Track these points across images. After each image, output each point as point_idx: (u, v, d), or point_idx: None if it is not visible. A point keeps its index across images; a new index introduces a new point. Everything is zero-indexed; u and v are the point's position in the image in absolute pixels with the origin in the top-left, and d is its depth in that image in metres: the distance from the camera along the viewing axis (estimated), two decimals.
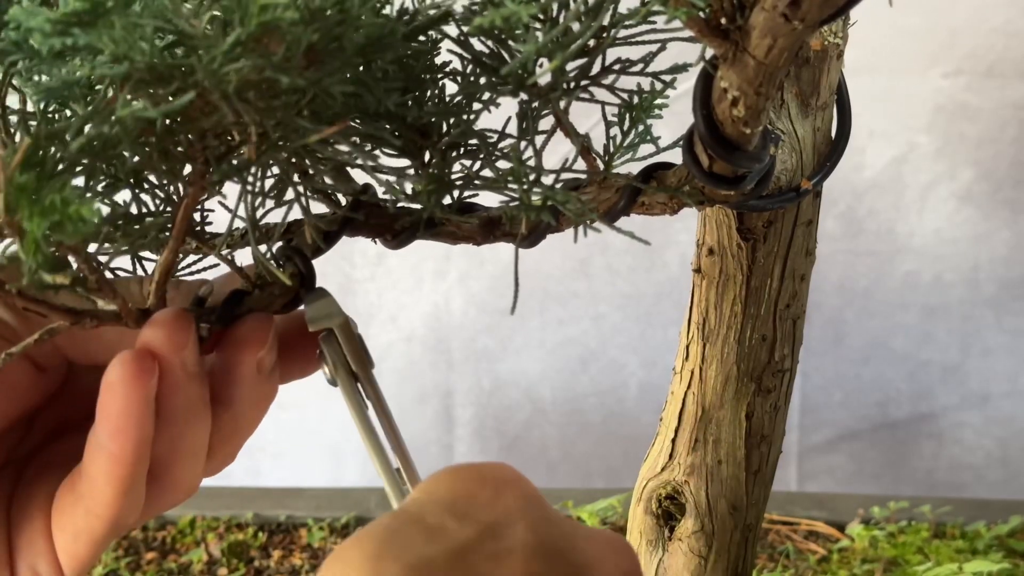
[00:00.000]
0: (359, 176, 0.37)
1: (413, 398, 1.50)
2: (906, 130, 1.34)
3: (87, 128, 0.27)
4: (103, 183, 0.30)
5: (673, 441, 0.63)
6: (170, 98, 0.27)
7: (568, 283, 1.43)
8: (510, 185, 0.35)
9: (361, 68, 0.31)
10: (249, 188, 0.31)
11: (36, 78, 0.28)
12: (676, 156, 0.43)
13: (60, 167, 0.27)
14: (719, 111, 0.37)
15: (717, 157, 0.39)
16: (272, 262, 0.36)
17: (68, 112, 0.30)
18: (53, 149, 0.27)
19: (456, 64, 0.36)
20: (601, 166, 0.41)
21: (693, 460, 0.62)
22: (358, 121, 0.32)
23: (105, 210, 0.32)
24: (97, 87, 0.28)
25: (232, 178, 0.30)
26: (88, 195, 0.30)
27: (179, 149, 0.29)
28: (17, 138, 0.28)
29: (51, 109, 0.30)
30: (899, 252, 1.39)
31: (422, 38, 0.34)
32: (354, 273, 1.44)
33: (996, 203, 1.36)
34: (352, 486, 1.46)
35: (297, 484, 1.40)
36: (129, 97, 0.26)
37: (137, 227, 0.31)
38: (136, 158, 0.29)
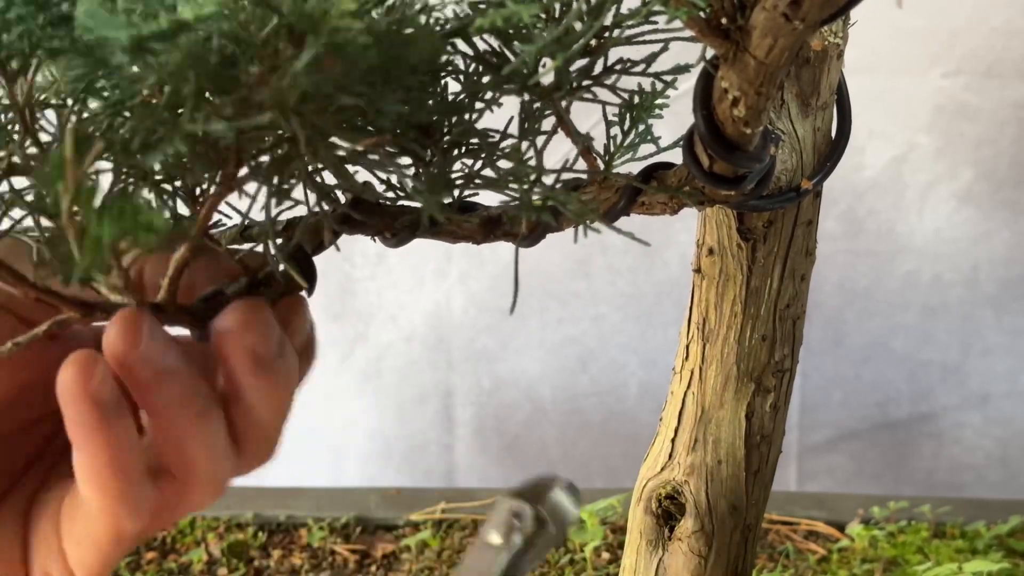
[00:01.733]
0: (358, 174, 0.37)
1: (413, 398, 1.50)
2: (906, 130, 1.34)
3: (153, 144, 0.27)
4: (127, 182, 0.30)
5: (673, 441, 0.63)
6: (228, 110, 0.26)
7: (568, 283, 1.43)
8: (511, 185, 0.35)
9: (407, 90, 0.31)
10: (273, 189, 0.31)
11: (103, 89, 0.28)
12: (676, 156, 0.43)
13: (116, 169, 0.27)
14: (720, 111, 0.37)
15: (717, 157, 0.39)
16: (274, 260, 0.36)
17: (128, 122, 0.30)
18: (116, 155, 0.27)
19: (458, 62, 0.36)
20: (601, 166, 0.41)
21: (693, 460, 0.62)
22: (370, 125, 0.32)
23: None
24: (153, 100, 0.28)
25: (259, 179, 0.30)
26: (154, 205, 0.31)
27: (212, 151, 0.29)
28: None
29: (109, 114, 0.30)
30: (899, 252, 1.39)
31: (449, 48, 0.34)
32: (354, 272, 1.44)
33: (996, 203, 1.36)
34: (352, 486, 1.46)
35: (297, 484, 1.40)
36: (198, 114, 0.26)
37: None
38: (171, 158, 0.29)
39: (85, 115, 0.30)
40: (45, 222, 0.30)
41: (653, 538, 0.64)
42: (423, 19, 0.31)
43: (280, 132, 0.29)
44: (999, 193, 1.36)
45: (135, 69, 0.26)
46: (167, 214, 0.32)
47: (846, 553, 1.17)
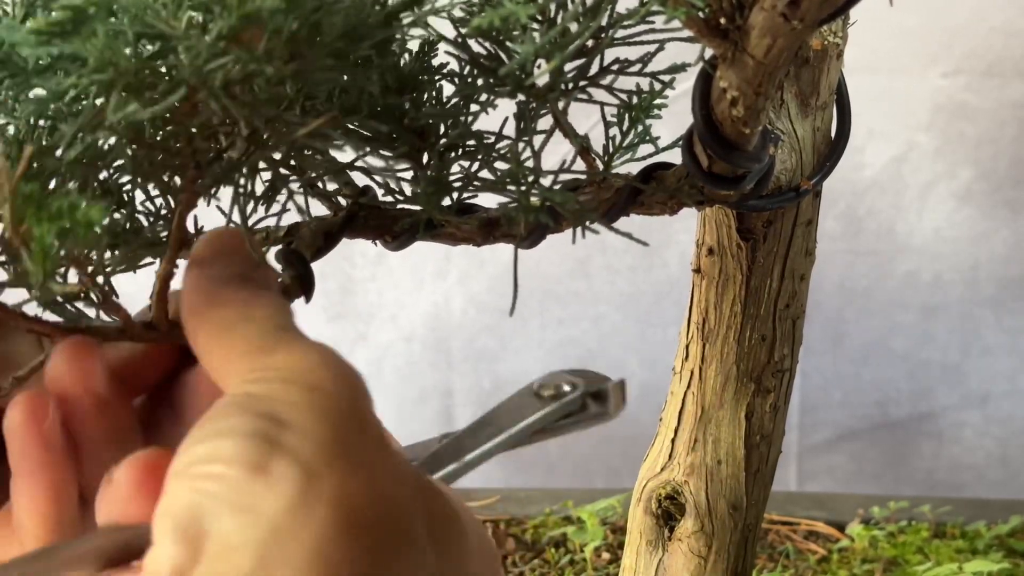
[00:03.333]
0: (358, 178, 0.37)
1: (413, 398, 1.50)
2: (906, 130, 1.34)
3: (80, 138, 0.27)
4: (93, 198, 0.30)
5: (673, 441, 0.63)
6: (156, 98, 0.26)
7: (568, 283, 1.43)
8: (509, 186, 0.35)
9: (339, 60, 0.31)
10: (241, 191, 0.31)
11: (25, 94, 0.28)
12: (675, 156, 0.43)
13: (59, 178, 0.27)
14: (718, 111, 0.37)
15: (716, 157, 0.39)
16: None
17: (60, 125, 0.30)
18: (50, 161, 0.27)
19: (453, 65, 0.36)
20: (600, 166, 0.41)
21: (693, 460, 0.62)
22: (351, 121, 0.32)
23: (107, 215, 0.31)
24: (83, 99, 0.28)
25: (223, 182, 0.30)
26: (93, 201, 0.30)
27: (169, 157, 0.29)
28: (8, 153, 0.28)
29: (42, 123, 0.30)
30: (899, 252, 1.39)
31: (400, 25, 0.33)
32: (354, 273, 1.44)
33: (996, 203, 1.36)
34: None
35: None
36: (115, 104, 0.26)
37: (130, 241, 0.31)
38: (127, 169, 0.29)
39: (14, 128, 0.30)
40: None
41: (653, 538, 0.64)
42: None
43: (233, 130, 0.28)
44: (999, 192, 1.35)
45: (61, 77, 0.26)
46: (131, 223, 0.32)
47: (846, 553, 1.17)
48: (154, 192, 0.32)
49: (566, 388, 0.35)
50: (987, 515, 1.23)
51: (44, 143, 0.28)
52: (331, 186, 0.39)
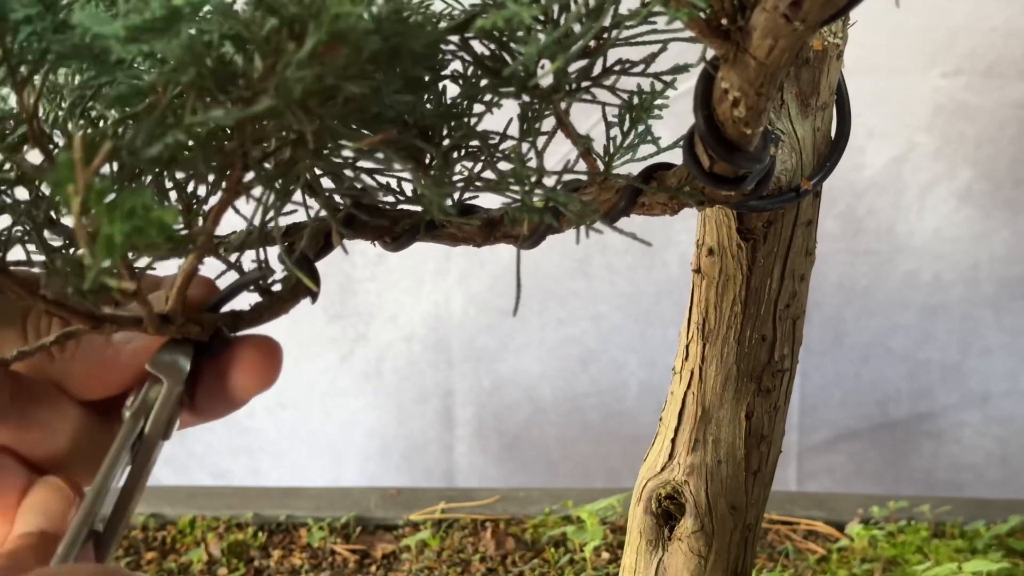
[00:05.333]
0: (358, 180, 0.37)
1: (413, 398, 1.50)
2: (906, 130, 1.34)
3: (159, 137, 0.27)
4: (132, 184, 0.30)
5: (673, 441, 0.63)
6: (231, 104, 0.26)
7: (568, 283, 1.43)
8: (512, 186, 0.35)
9: (410, 83, 0.31)
10: (275, 192, 0.31)
11: (104, 87, 0.28)
12: (676, 156, 0.43)
13: (130, 173, 0.27)
14: (720, 112, 0.37)
15: (718, 157, 0.39)
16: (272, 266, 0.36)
17: (133, 122, 0.30)
18: (123, 156, 0.27)
19: (457, 66, 0.36)
20: (601, 167, 0.41)
21: (693, 460, 0.62)
22: (370, 127, 0.32)
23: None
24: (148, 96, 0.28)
25: (265, 183, 0.30)
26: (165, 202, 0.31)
27: (222, 157, 0.29)
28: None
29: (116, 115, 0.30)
30: (899, 251, 1.39)
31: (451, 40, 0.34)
32: (354, 273, 1.44)
33: (995, 202, 1.36)
34: (352, 486, 1.46)
35: (297, 484, 1.40)
36: (197, 106, 0.26)
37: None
38: (181, 165, 0.29)
39: (91, 116, 0.30)
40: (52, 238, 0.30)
41: (653, 538, 0.64)
42: (420, 7, 0.31)
43: (284, 134, 0.29)
44: (999, 192, 1.36)
45: (139, 70, 0.27)
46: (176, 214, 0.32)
47: (846, 553, 1.17)
48: (191, 187, 0.32)
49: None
50: (986, 515, 1.23)
51: (119, 139, 0.28)
52: (328, 186, 0.39)
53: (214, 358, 0.35)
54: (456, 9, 0.33)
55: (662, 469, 0.63)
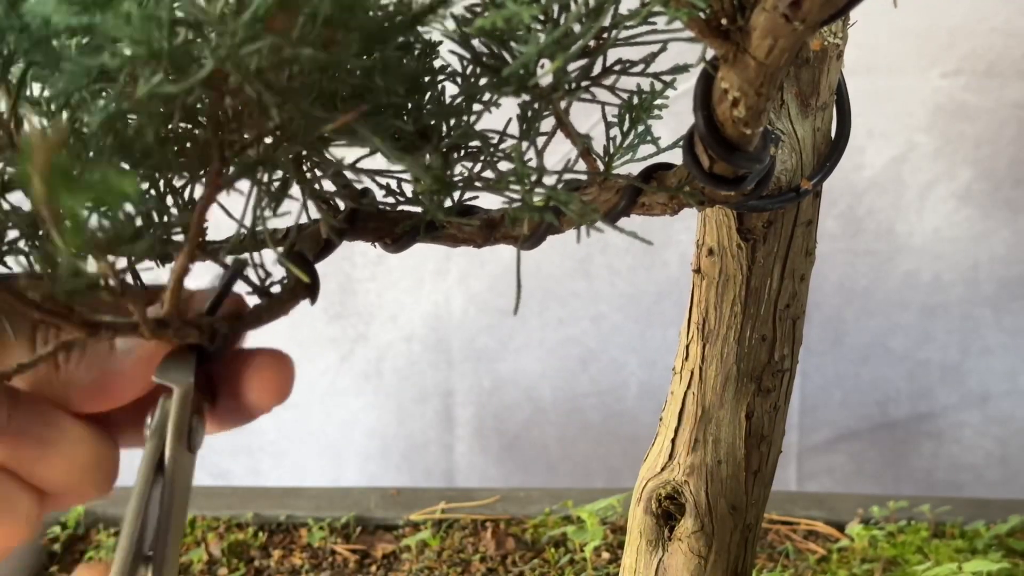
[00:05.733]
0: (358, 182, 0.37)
1: (413, 398, 1.50)
2: (905, 130, 1.34)
3: (109, 111, 0.27)
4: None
5: (673, 441, 0.63)
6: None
7: (568, 283, 1.43)
8: (512, 186, 0.35)
9: (368, 56, 0.31)
10: (262, 187, 0.31)
11: (56, 70, 0.28)
12: (676, 156, 0.43)
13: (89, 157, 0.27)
14: (720, 112, 0.37)
15: (718, 158, 0.39)
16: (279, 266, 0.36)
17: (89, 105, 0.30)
18: (80, 141, 0.26)
19: (455, 65, 0.36)
20: (601, 167, 0.41)
21: (693, 460, 0.62)
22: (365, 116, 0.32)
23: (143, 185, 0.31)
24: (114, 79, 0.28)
25: (246, 175, 0.30)
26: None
27: (195, 147, 0.29)
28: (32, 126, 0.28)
29: (72, 99, 0.30)
30: (898, 251, 1.39)
31: (421, 29, 0.33)
32: (354, 273, 1.44)
33: (995, 202, 1.36)
34: (352, 486, 1.46)
35: (297, 484, 1.40)
36: (144, 80, 0.26)
37: (145, 236, 0.31)
38: (153, 156, 0.29)
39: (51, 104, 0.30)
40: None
41: (653, 538, 0.64)
42: None
43: (258, 122, 0.28)
44: (998, 192, 1.36)
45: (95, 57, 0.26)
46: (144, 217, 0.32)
47: (846, 553, 1.17)
48: (175, 183, 0.32)
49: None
50: (986, 515, 1.23)
51: (75, 124, 0.28)
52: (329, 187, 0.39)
53: (223, 364, 0.35)
54: (456, 8, 0.33)
55: (662, 469, 0.63)
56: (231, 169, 0.29)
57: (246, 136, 0.29)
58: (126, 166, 0.30)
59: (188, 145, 0.29)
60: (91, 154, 0.28)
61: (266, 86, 0.27)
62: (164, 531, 0.33)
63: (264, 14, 0.25)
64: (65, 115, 0.30)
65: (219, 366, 0.35)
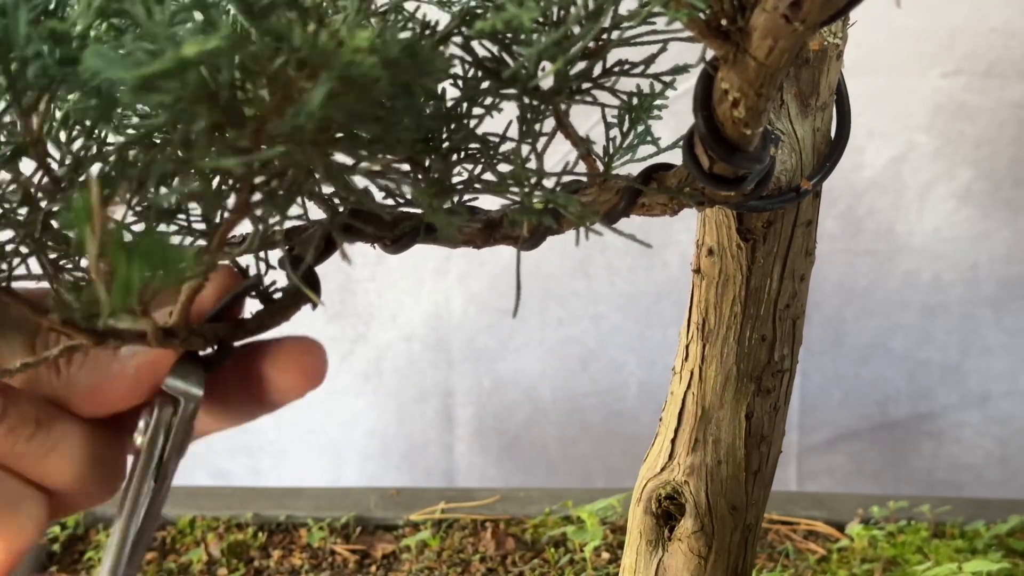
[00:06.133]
0: (358, 180, 0.37)
1: (413, 398, 1.50)
2: (905, 130, 1.34)
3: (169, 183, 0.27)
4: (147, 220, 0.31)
5: (673, 441, 0.63)
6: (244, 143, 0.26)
7: (568, 283, 1.43)
8: (511, 188, 0.35)
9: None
10: (283, 212, 0.31)
11: (114, 125, 0.28)
12: (676, 157, 0.43)
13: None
14: (720, 112, 0.37)
15: (718, 158, 0.39)
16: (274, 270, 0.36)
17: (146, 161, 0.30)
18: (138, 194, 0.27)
19: (456, 68, 0.36)
20: (601, 168, 0.41)
21: (693, 460, 0.62)
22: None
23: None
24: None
25: (269, 204, 0.30)
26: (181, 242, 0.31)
27: (224, 179, 0.29)
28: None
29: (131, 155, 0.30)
30: (898, 251, 1.39)
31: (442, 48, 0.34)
32: (354, 273, 1.44)
33: (995, 202, 1.36)
34: (352, 486, 1.46)
35: (297, 484, 1.40)
36: (212, 153, 0.26)
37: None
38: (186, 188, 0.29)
39: (103, 151, 0.30)
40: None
41: (653, 538, 0.64)
42: (426, 36, 0.31)
43: (310, 166, 0.29)
44: (998, 192, 1.36)
45: (146, 108, 0.27)
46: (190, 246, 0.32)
47: (846, 553, 1.17)
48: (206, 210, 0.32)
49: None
50: (986, 515, 1.23)
51: (133, 179, 0.28)
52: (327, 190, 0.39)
53: (243, 358, 0.35)
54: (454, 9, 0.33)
55: (662, 469, 0.63)
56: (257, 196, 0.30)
57: (275, 166, 0.29)
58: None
59: (218, 178, 0.29)
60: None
61: (315, 146, 0.27)
62: (142, 534, 0.35)
63: (329, 92, 0.25)
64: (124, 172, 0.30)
65: (236, 361, 0.35)
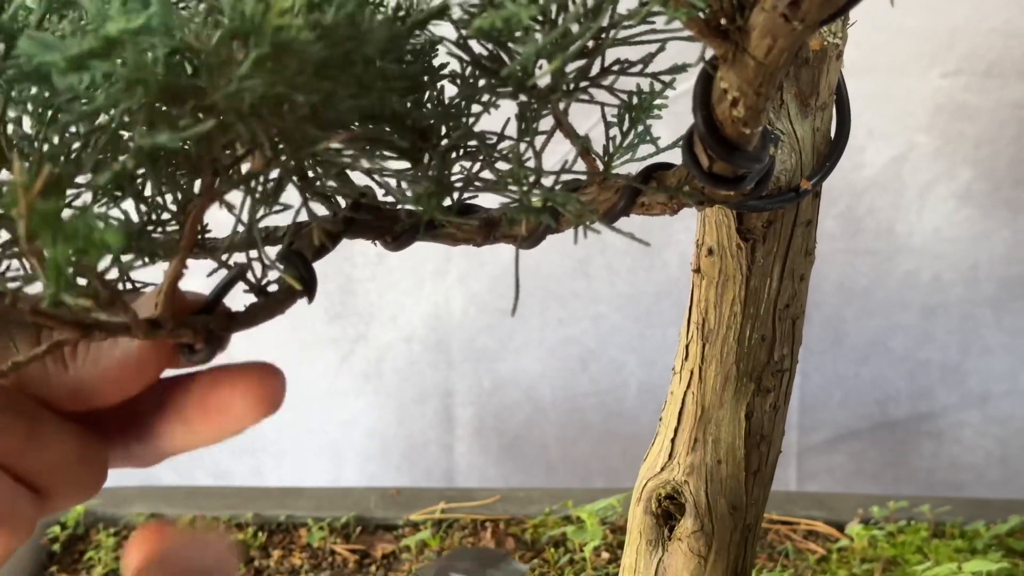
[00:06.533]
0: (358, 178, 0.37)
1: (413, 398, 1.50)
2: (905, 130, 1.34)
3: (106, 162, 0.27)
4: (106, 200, 0.31)
5: (672, 441, 0.63)
6: (184, 120, 0.26)
7: (568, 283, 1.43)
8: (510, 187, 0.35)
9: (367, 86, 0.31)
10: (256, 196, 0.31)
11: (49, 111, 0.28)
12: (676, 156, 0.43)
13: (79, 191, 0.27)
14: (719, 111, 0.37)
15: (717, 157, 0.39)
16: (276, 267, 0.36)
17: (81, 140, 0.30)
18: (70, 174, 0.27)
19: (454, 66, 0.36)
20: (600, 167, 0.41)
21: (692, 460, 0.62)
22: (358, 125, 0.32)
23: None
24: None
25: (239, 187, 0.30)
26: (110, 221, 0.31)
27: (188, 166, 0.29)
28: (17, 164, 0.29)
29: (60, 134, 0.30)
30: (898, 251, 1.39)
31: (417, 32, 0.33)
32: (354, 273, 1.44)
33: (995, 202, 1.36)
34: (352, 486, 1.46)
35: (297, 484, 1.40)
36: (142, 132, 0.26)
37: (145, 240, 0.31)
38: (147, 176, 0.29)
39: (38, 139, 0.30)
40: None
41: (653, 538, 0.64)
42: (376, 10, 0.30)
43: (252, 139, 0.29)
44: (998, 192, 1.36)
45: (95, 92, 0.27)
46: (145, 223, 0.32)
47: (846, 553, 1.17)
48: (169, 194, 0.32)
49: None
50: (986, 515, 1.23)
51: (66, 159, 0.28)
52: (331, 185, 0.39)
53: (192, 383, 0.35)
54: (453, 9, 0.33)
55: (662, 469, 0.63)
56: (223, 184, 0.30)
57: (239, 153, 0.29)
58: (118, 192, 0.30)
59: (180, 165, 0.29)
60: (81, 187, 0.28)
61: (260, 120, 0.27)
62: None
63: (259, 60, 0.25)
64: (56, 139, 0.30)
65: (197, 385, 0.35)
